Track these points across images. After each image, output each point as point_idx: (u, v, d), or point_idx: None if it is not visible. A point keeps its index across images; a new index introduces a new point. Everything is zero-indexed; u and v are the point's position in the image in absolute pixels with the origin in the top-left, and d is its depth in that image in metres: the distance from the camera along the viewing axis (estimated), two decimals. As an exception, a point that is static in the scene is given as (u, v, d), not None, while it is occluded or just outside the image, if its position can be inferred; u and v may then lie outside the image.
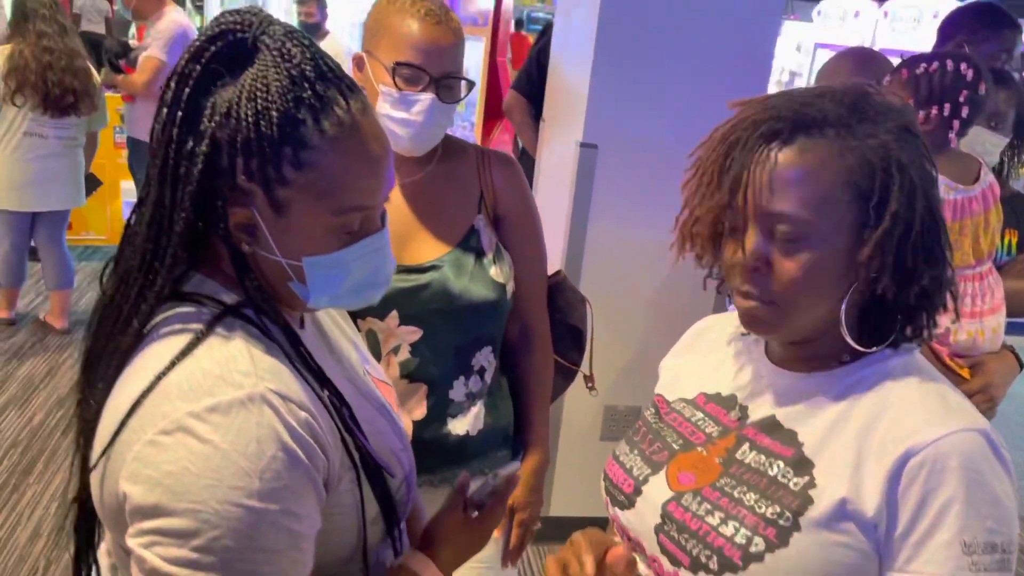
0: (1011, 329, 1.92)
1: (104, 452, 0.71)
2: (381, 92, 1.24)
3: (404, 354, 1.29)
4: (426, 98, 1.23)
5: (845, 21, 5.76)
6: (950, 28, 2.42)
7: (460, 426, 1.34)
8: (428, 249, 1.30)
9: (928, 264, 0.80)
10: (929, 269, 0.80)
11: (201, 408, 0.68)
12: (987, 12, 2.38)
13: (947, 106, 1.64)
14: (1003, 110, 1.94)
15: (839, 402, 0.83)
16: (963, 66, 1.66)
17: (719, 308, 2.06)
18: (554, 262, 2.36)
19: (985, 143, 1.93)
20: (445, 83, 1.24)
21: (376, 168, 0.76)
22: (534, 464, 1.43)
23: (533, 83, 3.09)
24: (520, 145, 3.65)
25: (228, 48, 0.72)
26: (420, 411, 1.31)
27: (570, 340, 1.53)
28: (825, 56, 6.38)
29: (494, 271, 1.32)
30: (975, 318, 1.67)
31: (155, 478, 0.66)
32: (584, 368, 1.59)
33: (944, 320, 1.61)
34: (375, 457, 0.80)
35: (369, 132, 0.75)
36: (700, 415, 0.94)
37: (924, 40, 5.24)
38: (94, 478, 0.74)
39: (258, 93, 0.70)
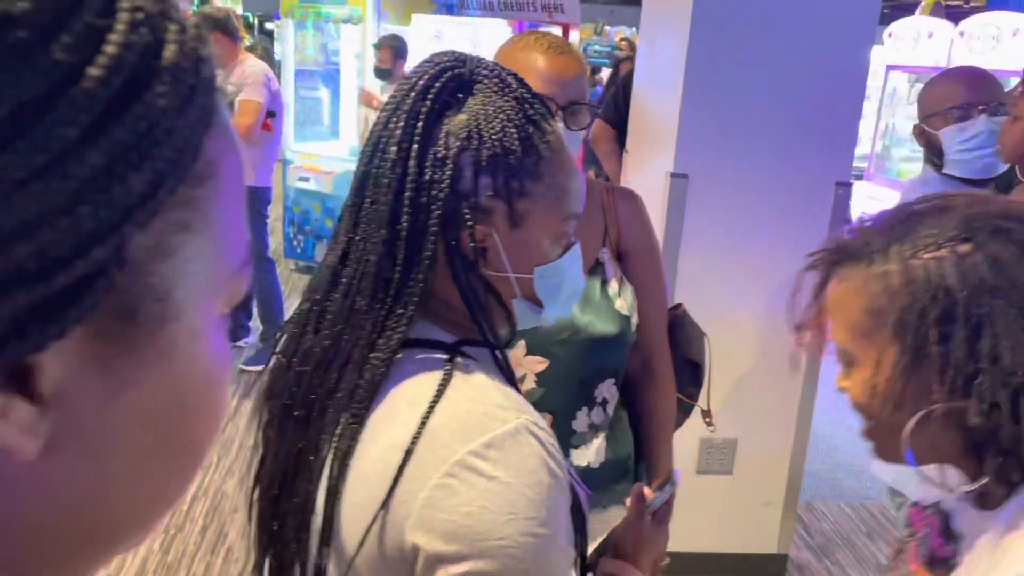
0: None
1: (384, 504, 0.70)
2: None
3: (530, 384, 1.31)
4: (556, 127, 1.26)
5: (918, 42, 5.65)
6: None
7: (582, 457, 1.35)
8: None
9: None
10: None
11: (479, 446, 0.69)
12: None
13: None
14: None
15: (993, 539, 0.77)
16: None
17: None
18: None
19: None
20: (571, 110, 1.28)
21: (580, 175, 0.84)
22: None
23: (620, 112, 3.11)
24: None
25: (450, 82, 0.77)
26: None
27: (688, 374, 1.53)
28: (897, 79, 6.29)
29: (619, 303, 1.34)
30: None
31: (454, 522, 0.67)
32: (701, 403, 1.57)
33: None
34: (575, 481, 0.81)
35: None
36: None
37: (1004, 59, 5.11)
38: (352, 528, 0.72)
39: (494, 115, 0.76)
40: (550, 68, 1.26)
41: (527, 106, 0.78)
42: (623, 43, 7.28)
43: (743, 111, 2.28)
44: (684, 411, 1.56)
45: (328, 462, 0.73)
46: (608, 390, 1.37)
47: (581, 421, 1.34)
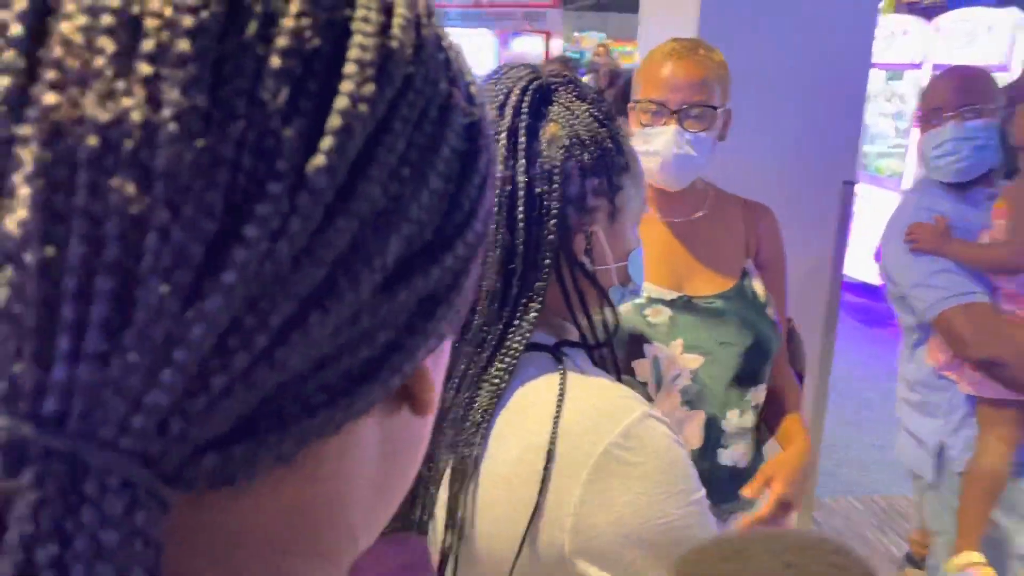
0: None
1: (536, 509, 0.71)
2: (638, 131, 1.35)
3: (685, 381, 1.35)
4: (664, 130, 1.31)
5: (894, 39, 5.74)
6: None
7: (729, 458, 1.37)
8: (710, 284, 1.38)
9: None
10: None
11: (617, 437, 0.71)
12: None
13: None
14: None
15: None
16: None
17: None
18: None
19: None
20: (686, 113, 1.31)
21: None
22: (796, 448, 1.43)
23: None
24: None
25: (536, 95, 0.79)
26: (697, 439, 1.35)
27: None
28: (875, 77, 6.38)
29: (769, 311, 1.39)
30: None
31: (617, 514, 0.70)
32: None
33: None
34: None
35: None
36: None
37: (981, 55, 5.21)
38: (495, 531, 0.73)
39: (584, 119, 0.79)
40: (662, 73, 1.32)
41: (601, 105, 0.82)
42: (600, 48, 7.34)
43: (748, 111, 2.29)
44: None
45: (449, 467, 0.75)
46: (759, 395, 1.40)
47: (731, 422, 1.37)
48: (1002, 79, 5.14)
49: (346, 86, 0.25)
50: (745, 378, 1.36)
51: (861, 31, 2.37)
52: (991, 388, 1.72)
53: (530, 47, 7.02)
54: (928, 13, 5.90)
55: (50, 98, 0.22)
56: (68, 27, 0.22)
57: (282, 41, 0.24)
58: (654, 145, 1.32)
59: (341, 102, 0.24)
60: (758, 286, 1.40)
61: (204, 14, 0.23)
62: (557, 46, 7.43)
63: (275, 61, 0.24)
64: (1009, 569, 1.82)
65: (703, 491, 0.77)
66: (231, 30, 0.23)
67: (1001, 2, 8.21)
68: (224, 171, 0.23)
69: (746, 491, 1.31)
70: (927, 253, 1.75)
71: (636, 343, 1.33)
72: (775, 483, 1.30)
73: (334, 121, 0.24)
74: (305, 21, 0.24)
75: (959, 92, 1.80)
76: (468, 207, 0.30)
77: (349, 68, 0.25)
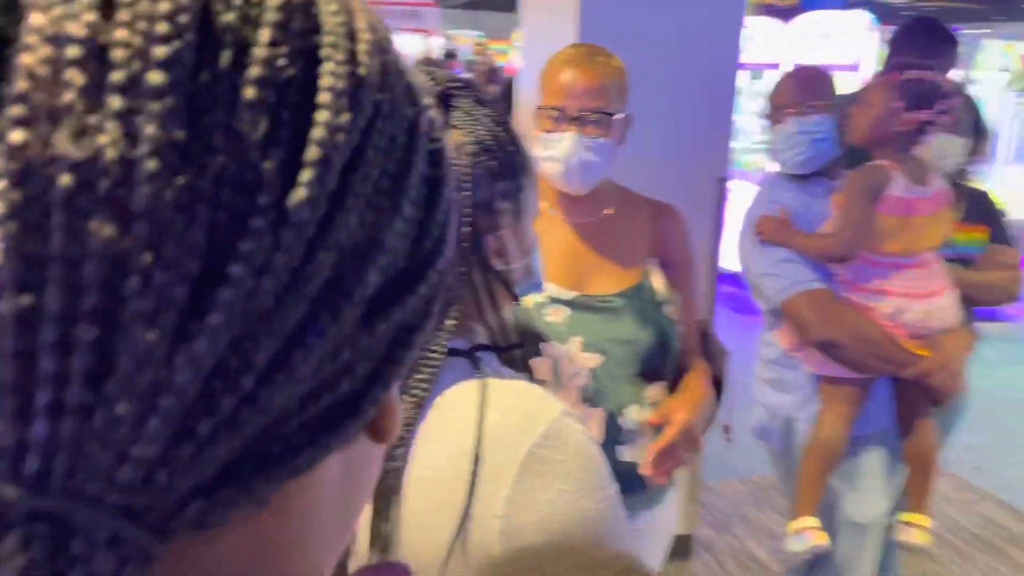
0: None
1: (465, 514, 0.71)
2: (538, 136, 1.36)
3: (584, 380, 1.36)
4: (564, 136, 1.33)
5: (755, 41, 6.04)
6: (900, 46, 2.60)
7: (628, 454, 1.39)
8: (610, 282, 1.39)
9: None
10: None
11: (539, 437, 0.72)
12: (934, 30, 2.57)
13: (926, 114, 1.76)
14: (962, 117, 2.09)
15: None
16: (947, 84, 1.80)
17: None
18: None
19: (951, 147, 2.08)
20: (584, 120, 1.34)
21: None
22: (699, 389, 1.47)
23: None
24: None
25: (435, 101, 0.77)
26: (598, 435, 1.37)
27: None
28: (740, 76, 6.70)
29: (668, 310, 1.42)
30: (923, 299, 1.78)
31: (541, 513, 0.70)
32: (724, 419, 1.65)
33: (888, 306, 1.73)
34: None
35: None
36: None
37: (834, 55, 5.56)
38: (424, 536, 0.73)
39: (486, 124, 0.79)
40: (562, 80, 1.34)
41: (498, 108, 0.83)
42: (478, 47, 7.36)
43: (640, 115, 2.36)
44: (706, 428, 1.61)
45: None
46: (658, 392, 1.42)
47: (630, 419, 1.39)
48: (854, 79, 5.52)
49: (322, 115, 0.24)
50: (644, 375, 1.40)
51: (729, 33, 2.48)
52: (831, 367, 1.85)
53: (408, 46, 7.06)
54: (784, 15, 6.24)
55: (17, 135, 0.20)
56: (31, 59, 0.21)
57: (256, 71, 0.23)
58: (555, 151, 1.35)
59: (318, 132, 0.24)
60: (659, 285, 1.43)
61: (176, 43, 0.22)
62: (436, 45, 7.44)
63: (250, 92, 0.23)
64: (839, 533, 1.95)
65: (616, 486, 0.79)
66: (205, 60, 0.23)
67: (849, 5, 8.80)
68: (205, 208, 0.22)
69: (651, 416, 1.36)
70: (773, 244, 1.86)
71: (534, 342, 1.35)
72: (678, 412, 1.34)
73: (312, 152, 0.24)
74: (278, 50, 0.24)
75: (800, 90, 1.92)
76: (438, 233, 0.30)
77: (323, 97, 0.24)
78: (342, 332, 0.25)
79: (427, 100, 0.31)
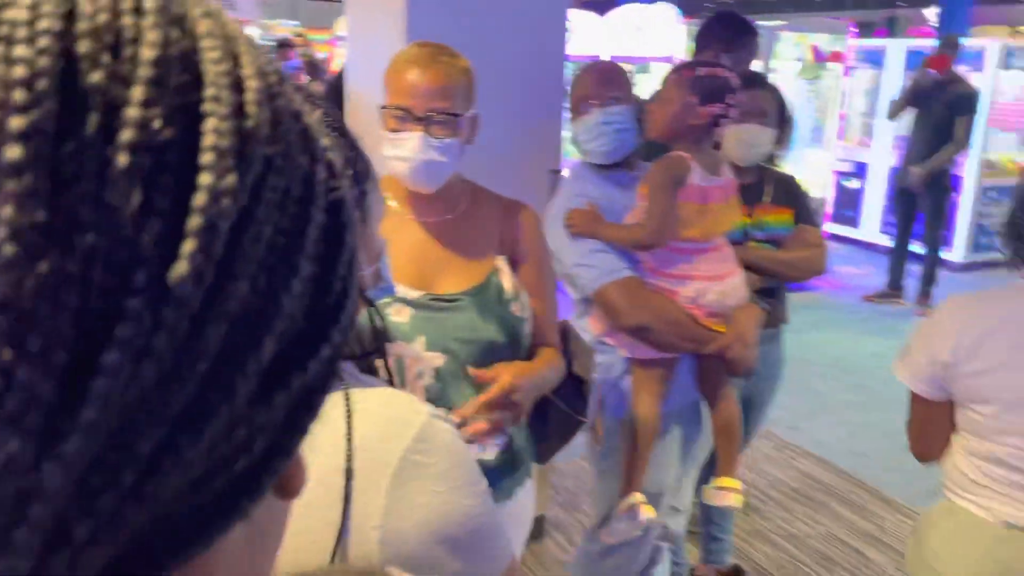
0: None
1: (343, 524, 0.70)
2: (385, 136, 1.35)
3: (428, 379, 1.36)
4: (411, 136, 1.33)
5: (574, 33, 6.23)
6: (705, 38, 2.77)
7: (476, 452, 1.39)
8: (456, 281, 1.40)
9: None
10: None
11: (411, 442, 0.73)
12: (736, 23, 2.75)
13: (719, 107, 1.88)
14: (768, 108, 2.26)
15: None
16: (733, 78, 1.92)
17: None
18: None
19: (761, 136, 2.25)
20: (431, 120, 1.34)
21: None
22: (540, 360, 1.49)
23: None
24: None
25: None
26: None
27: (574, 389, 1.59)
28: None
29: (515, 307, 1.42)
30: (718, 280, 1.92)
31: (419, 516, 0.71)
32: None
33: (691, 289, 1.87)
34: None
35: None
36: None
37: (648, 47, 5.84)
38: (306, 557, 0.70)
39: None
40: (409, 79, 1.34)
41: (331, 111, 0.82)
42: (299, 39, 7.13)
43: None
44: (567, 429, 1.62)
45: None
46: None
47: (477, 417, 1.38)
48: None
49: (204, 178, 0.22)
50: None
51: (555, 27, 2.55)
52: (641, 350, 1.96)
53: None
54: (600, 8, 6.49)
55: None
56: None
57: (128, 134, 0.21)
58: (402, 151, 1.34)
59: (201, 198, 0.22)
60: (507, 282, 1.45)
61: (36, 113, 0.20)
62: (254, 36, 7.06)
63: (122, 159, 0.21)
64: (659, 505, 2.07)
65: (486, 481, 0.81)
66: (69, 128, 0.20)
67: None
68: (74, 292, 0.20)
69: (474, 371, 1.36)
70: (584, 236, 1.93)
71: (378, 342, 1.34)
72: (504, 374, 1.36)
73: (195, 220, 0.22)
74: (153, 110, 0.22)
75: (600, 82, 1.99)
76: (340, 288, 0.28)
77: (206, 157, 0.22)
78: (236, 409, 0.23)
79: (326, 142, 0.29)
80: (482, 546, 0.79)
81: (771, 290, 2.34)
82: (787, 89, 6.35)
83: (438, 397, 1.37)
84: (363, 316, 0.87)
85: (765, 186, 2.34)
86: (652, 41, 5.81)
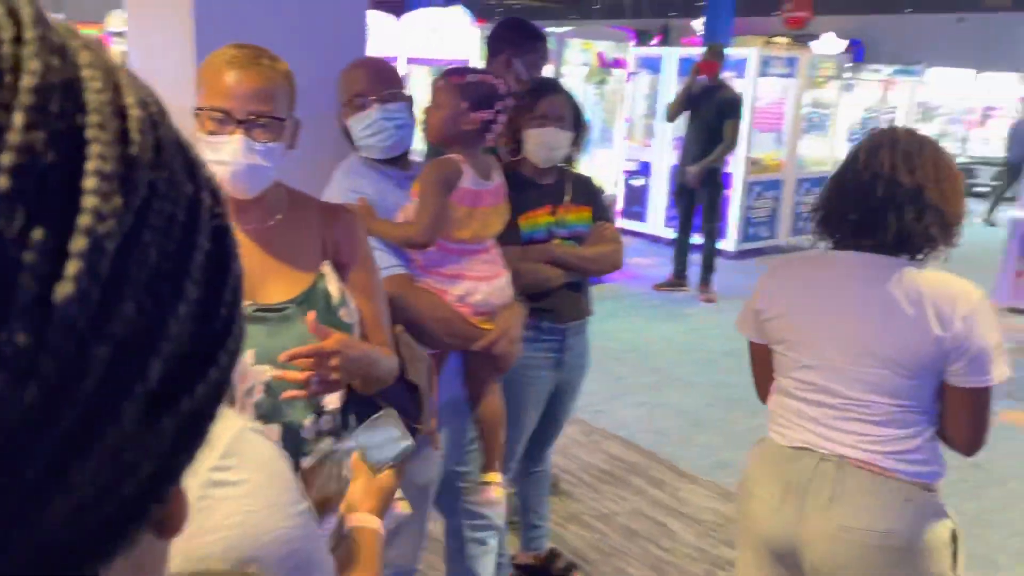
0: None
1: None
2: (203, 140, 1.30)
3: (258, 394, 1.30)
4: (232, 139, 1.29)
5: (371, 34, 6.19)
6: (497, 43, 2.85)
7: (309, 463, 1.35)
8: (281, 290, 1.35)
9: None
10: None
11: (217, 459, 0.70)
12: (526, 28, 2.86)
13: (489, 113, 1.96)
14: (564, 112, 2.38)
15: None
16: (501, 85, 2.00)
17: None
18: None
19: (558, 139, 2.37)
20: (252, 123, 1.30)
21: None
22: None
23: None
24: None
25: None
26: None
27: (407, 396, 1.56)
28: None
29: (343, 312, 1.39)
30: (486, 281, 2.02)
31: (226, 537, 0.68)
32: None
33: (460, 288, 1.96)
34: None
35: None
36: None
37: (443, 49, 5.91)
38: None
39: None
40: (227, 81, 1.30)
41: None
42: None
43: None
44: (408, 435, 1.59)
45: None
46: (333, 397, 1.40)
47: (309, 429, 1.36)
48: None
49: (89, 201, 0.22)
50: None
51: (354, 28, 2.51)
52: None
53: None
54: (395, 11, 6.49)
55: None
56: None
57: (9, 158, 0.21)
58: (222, 155, 1.30)
59: (85, 219, 0.22)
60: (333, 288, 1.43)
61: None
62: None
63: (3, 182, 0.21)
64: (426, 497, 2.10)
65: (307, 502, 0.78)
66: None
67: (448, 2, 9.39)
68: None
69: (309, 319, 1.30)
70: None
71: None
72: (330, 338, 1.32)
73: (79, 242, 0.22)
74: (35, 134, 0.22)
75: (378, 78, 2.00)
76: (226, 312, 0.28)
77: (90, 182, 0.22)
78: (122, 432, 0.23)
79: (209, 172, 0.29)
80: (296, 573, 0.74)
81: (576, 284, 2.47)
82: (577, 93, 6.69)
83: (270, 413, 1.33)
84: None
85: (565, 186, 2.47)
86: (447, 44, 5.90)
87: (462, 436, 2.21)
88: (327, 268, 1.44)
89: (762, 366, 1.86)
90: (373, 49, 6.22)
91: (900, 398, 1.61)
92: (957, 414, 1.61)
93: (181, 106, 2.21)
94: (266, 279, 1.38)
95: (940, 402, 1.63)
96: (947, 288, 1.58)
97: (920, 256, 1.65)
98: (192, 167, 0.28)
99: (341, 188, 1.96)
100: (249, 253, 1.37)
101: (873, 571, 1.59)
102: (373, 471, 1.10)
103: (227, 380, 0.30)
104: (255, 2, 2.25)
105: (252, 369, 1.32)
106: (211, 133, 1.31)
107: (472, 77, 1.99)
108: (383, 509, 1.10)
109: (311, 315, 1.31)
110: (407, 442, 1.12)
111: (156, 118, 0.27)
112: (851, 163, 1.70)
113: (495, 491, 2.15)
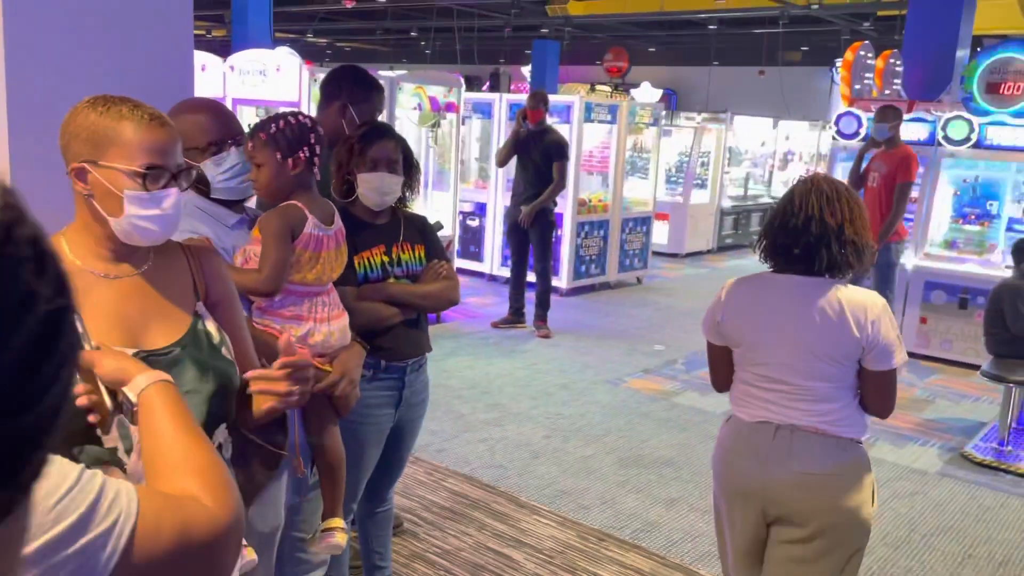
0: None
1: None
2: (128, 196, 1.29)
3: None
4: (173, 192, 1.33)
5: (197, 74, 6.02)
6: (332, 90, 2.88)
7: None
8: (163, 335, 1.35)
9: None
10: None
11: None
12: (362, 78, 2.91)
13: (305, 149, 2.02)
14: (395, 157, 2.45)
15: None
16: (302, 118, 2.07)
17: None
18: None
19: (389, 184, 2.42)
20: (179, 175, 1.35)
21: None
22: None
23: None
24: None
25: None
26: None
27: (273, 422, 1.52)
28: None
29: (225, 351, 1.39)
30: (327, 323, 2.07)
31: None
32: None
33: (301, 329, 1.99)
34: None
35: None
36: None
37: (271, 90, 5.83)
38: None
39: None
40: (159, 138, 1.32)
41: None
42: None
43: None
44: (268, 464, 1.56)
45: None
46: (223, 435, 1.39)
47: None
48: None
49: None
50: (212, 422, 1.37)
51: (179, 68, 2.46)
52: None
53: None
54: (222, 52, 6.34)
55: None
56: None
57: None
58: (165, 207, 1.33)
59: None
60: (212, 327, 1.42)
61: None
62: None
63: None
64: (271, 543, 2.08)
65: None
66: None
67: (275, 44, 9.26)
68: None
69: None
70: None
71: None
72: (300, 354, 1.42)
73: None
74: None
75: (230, 121, 2.02)
76: (51, 398, 0.32)
77: None
78: None
79: (60, 268, 0.33)
80: None
81: (414, 321, 2.51)
82: (410, 135, 6.80)
83: None
84: None
85: (399, 226, 2.52)
86: (274, 85, 5.83)
87: (303, 480, 2.18)
88: (201, 307, 1.44)
89: (719, 362, 2.35)
90: (200, 90, 6.06)
91: (833, 381, 2.15)
92: (872, 390, 2.17)
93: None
94: (148, 325, 1.36)
95: (860, 380, 2.17)
96: (859, 300, 2.13)
97: (840, 276, 2.18)
98: (43, 263, 0.31)
99: (180, 230, 1.92)
100: (128, 301, 1.36)
101: (821, 501, 2.13)
102: None
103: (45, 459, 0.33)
104: (74, 42, 2.16)
105: None
106: (151, 191, 1.31)
107: (275, 125, 2.03)
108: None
109: (285, 335, 1.42)
110: None
111: (12, 222, 0.30)
112: (788, 206, 2.19)
113: (338, 536, 2.13)
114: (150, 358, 1.33)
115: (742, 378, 2.28)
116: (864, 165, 6.06)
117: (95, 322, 1.28)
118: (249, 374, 1.40)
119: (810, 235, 2.13)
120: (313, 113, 2.89)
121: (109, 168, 1.32)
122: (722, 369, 2.36)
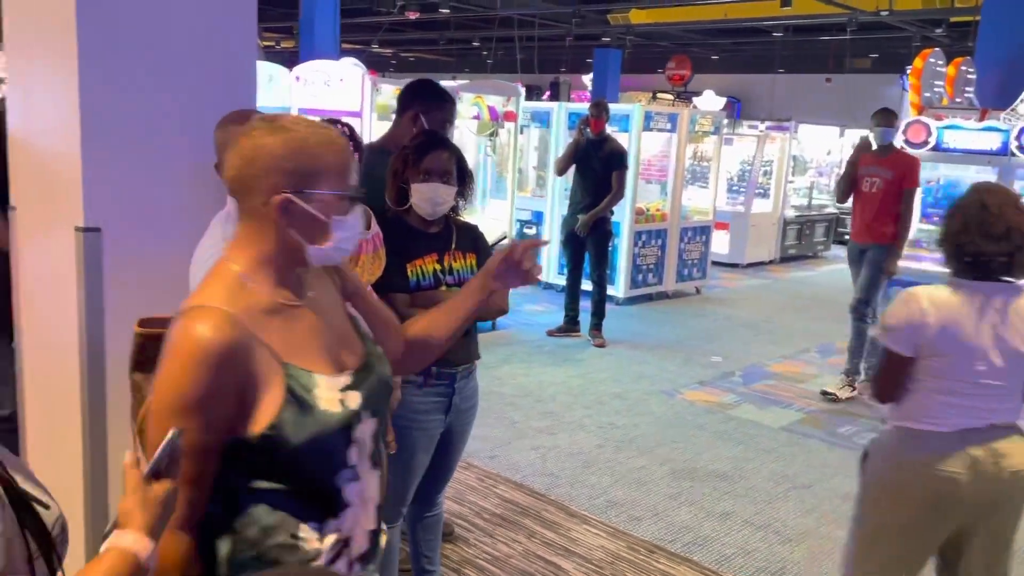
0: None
1: None
2: (336, 222, 1.30)
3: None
4: (359, 208, 1.38)
5: (264, 85, 6.20)
6: (406, 100, 3.00)
7: None
8: (353, 351, 1.42)
9: None
10: None
11: None
12: (435, 89, 3.03)
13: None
14: (449, 168, 2.49)
15: None
16: (339, 125, 2.15)
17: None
18: (71, 360, 2.20)
19: (442, 194, 2.46)
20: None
21: None
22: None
23: None
24: None
25: None
26: None
27: None
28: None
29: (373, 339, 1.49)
30: None
31: None
32: None
33: None
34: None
35: None
36: None
37: (334, 100, 5.97)
38: None
39: None
40: (349, 160, 1.33)
41: None
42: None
43: (151, 154, 2.29)
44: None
45: None
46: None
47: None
48: (359, 124, 5.93)
49: None
50: (387, 395, 1.48)
51: (244, 78, 2.54)
52: None
53: None
54: (288, 62, 6.52)
55: None
56: None
57: None
58: (351, 231, 1.36)
59: None
60: (363, 325, 1.51)
61: None
62: None
63: None
64: None
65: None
66: None
67: (341, 55, 9.46)
68: None
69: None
70: None
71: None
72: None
73: None
74: None
75: None
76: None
77: None
78: None
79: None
80: None
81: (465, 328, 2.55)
82: (468, 144, 6.88)
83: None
84: None
85: (452, 235, 2.57)
86: (339, 95, 5.96)
87: None
88: (349, 308, 1.49)
89: (898, 375, 2.35)
90: (265, 100, 6.25)
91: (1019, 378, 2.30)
92: None
93: (62, 152, 2.20)
94: (340, 345, 1.39)
95: None
96: None
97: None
98: None
99: (218, 237, 1.98)
100: (319, 327, 1.36)
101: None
102: (146, 480, 1.05)
103: None
104: (143, 50, 2.25)
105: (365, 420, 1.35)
106: (341, 215, 1.31)
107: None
108: (158, 525, 1.04)
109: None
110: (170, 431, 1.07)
111: None
112: (983, 214, 2.24)
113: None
114: (361, 375, 1.37)
115: (935, 387, 2.30)
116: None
117: (308, 355, 1.29)
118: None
119: (1012, 243, 2.23)
120: (376, 121, 2.98)
121: (319, 196, 1.28)
122: (901, 381, 2.36)
